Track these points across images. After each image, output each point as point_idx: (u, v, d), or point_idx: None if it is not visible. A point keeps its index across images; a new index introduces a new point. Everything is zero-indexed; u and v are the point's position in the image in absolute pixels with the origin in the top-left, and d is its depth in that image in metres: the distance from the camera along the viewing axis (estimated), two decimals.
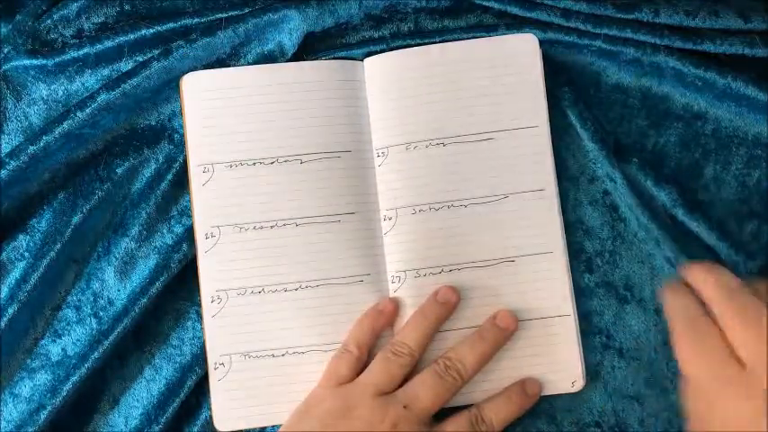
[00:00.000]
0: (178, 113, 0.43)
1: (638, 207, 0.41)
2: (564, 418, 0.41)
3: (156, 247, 0.42)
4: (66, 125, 0.40)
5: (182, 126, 0.42)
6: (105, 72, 0.43)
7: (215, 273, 0.41)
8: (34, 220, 0.42)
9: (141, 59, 0.43)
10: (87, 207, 0.42)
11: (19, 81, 0.43)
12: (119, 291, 0.41)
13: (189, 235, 0.41)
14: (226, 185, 0.41)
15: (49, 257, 0.40)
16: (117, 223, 0.42)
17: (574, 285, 0.41)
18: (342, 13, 0.43)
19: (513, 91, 0.42)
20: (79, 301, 0.41)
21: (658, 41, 0.41)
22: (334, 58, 0.43)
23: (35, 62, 0.42)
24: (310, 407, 0.38)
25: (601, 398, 0.41)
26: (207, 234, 0.41)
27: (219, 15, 0.42)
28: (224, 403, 0.40)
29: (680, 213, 0.41)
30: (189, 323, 0.41)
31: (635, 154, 0.42)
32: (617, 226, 0.42)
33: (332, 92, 0.42)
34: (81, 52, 0.42)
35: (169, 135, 0.43)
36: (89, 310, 0.41)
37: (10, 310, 0.40)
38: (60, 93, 0.43)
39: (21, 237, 0.42)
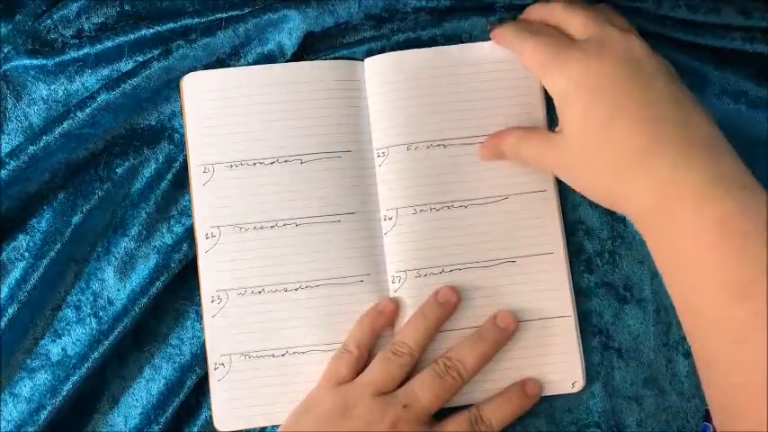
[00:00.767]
0: (178, 113, 0.43)
1: None
2: (564, 418, 0.41)
3: (155, 247, 0.42)
4: (66, 125, 0.40)
5: (182, 126, 0.42)
6: (105, 72, 0.43)
7: (215, 273, 0.41)
8: (34, 220, 0.42)
9: (141, 59, 0.42)
10: (87, 207, 0.42)
11: (19, 81, 0.43)
12: (119, 291, 0.41)
13: (189, 235, 0.41)
14: (226, 185, 0.41)
15: (48, 257, 0.40)
16: (117, 223, 0.42)
17: (574, 285, 0.41)
18: (341, 12, 0.43)
19: (514, 93, 0.42)
20: (79, 300, 0.41)
21: (660, 30, 0.41)
22: (335, 58, 0.43)
23: (35, 62, 0.42)
24: (310, 407, 0.38)
25: (600, 398, 0.41)
26: (207, 234, 0.41)
27: (219, 15, 0.42)
28: (224, 403, 0.40)
29: None
30: (189, 323, 0.41)
31: None
32: (617, 226, 0.42)
33: (332, 92, 0.42)
34: (81, 52, 0.42)
35: (169, 135, 0.43)
36: (89, 310, 0.41)
37: (10, 310, 0.40)
38: (60, 93, 0.43)
39: (21, 237, 0.41)
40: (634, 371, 0.41)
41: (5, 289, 0.41)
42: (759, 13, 0.41)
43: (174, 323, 0.42)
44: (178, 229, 0.42)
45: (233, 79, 0.42)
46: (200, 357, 0.41)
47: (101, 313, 0.41)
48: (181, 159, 0.42)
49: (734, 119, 0.42)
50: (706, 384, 0.33)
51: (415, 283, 0.41)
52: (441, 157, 0.41)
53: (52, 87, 0.43)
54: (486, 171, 0.41)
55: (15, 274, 0.41)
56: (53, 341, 0.41)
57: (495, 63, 0.42)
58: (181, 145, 0.42)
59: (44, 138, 0.40)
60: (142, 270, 0.41)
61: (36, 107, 0.43)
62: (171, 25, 0.42)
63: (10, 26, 0.43)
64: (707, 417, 0.40)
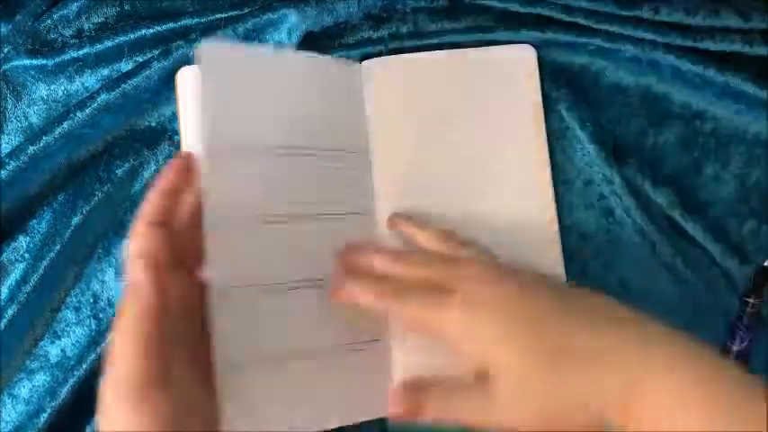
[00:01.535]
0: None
1: (636, 209, 0.41)
2: None
3: None
4: (66, 125, 0.40)
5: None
6: (105, 72, 0.43)
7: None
8: (34, 221, 0.42)
9: (141, 59, 0.43)
10: (87, 208, 0.41)
11: (19, 81, 0.43)
12: (118, 292, 0.41)
13: None
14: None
15: (48, 258, 0.40)
16: (117, 224, 0.42)
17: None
18: (341, 12, 0.43)
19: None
20: (79, 302, 0.41)
21: (659, 38, 0.41)
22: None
23: (35, 62, 0.42)
24: None
25: None
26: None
27: (219, 15, 0.43)
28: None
29: (677, 215, 0.41)
30: None
31: (634, 153, 0.42)
32: (613, 229, 0.42)
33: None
34: (81, 52, 0.42)
35: (169, 136, 0.43)
36: (89, 312, 0.41)
37: (9, 311, 0.39)
38: (60, 93, 0.43)
39: (21, 238, 0.41)
40: None
41: (5, 290, 0.40)
42: (758, 15, 0.41)
43: None
44: None
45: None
46: None
47: (100, 315, 0.41)
48: None
49: (735, 120, 0.43)
50: None
51: None
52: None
53: (52, 87, 0.43)
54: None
55: (15, 275, 0.41)
56: (52, 342, 0.41)
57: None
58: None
59: (44, 138, 0.40)
60: None
61: (36, 107, 0.43)
62: (171, 25, 0.42)
63: (10, 26, 0.43)
64: None
